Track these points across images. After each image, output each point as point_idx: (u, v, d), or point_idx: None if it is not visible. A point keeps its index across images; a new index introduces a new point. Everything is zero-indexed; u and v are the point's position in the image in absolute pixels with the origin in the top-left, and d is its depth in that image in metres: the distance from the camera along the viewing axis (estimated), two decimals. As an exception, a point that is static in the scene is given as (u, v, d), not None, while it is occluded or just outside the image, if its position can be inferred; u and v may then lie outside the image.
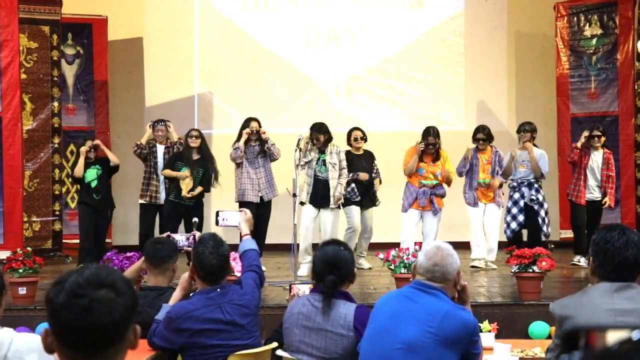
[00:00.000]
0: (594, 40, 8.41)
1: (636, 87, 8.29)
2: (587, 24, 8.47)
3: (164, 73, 9.42)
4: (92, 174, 6.89)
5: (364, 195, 6.91)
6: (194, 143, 6.77)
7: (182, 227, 6.58)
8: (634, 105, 8.24)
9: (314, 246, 6.24)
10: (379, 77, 9.46)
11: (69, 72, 8.83)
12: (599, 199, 6.94)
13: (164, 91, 9.42)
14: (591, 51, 8.45)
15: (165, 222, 6.71)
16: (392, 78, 9.42)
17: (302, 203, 6.33)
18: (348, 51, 9.44)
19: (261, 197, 6.74)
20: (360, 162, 6.96)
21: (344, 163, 6.73)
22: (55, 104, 8.18)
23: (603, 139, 7.02)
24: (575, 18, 8.52)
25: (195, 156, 6.79)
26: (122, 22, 9.23)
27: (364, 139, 7.08)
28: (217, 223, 4.03)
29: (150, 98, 9.47)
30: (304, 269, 6.39)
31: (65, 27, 8.58)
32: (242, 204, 6.50)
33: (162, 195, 6.93)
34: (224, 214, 4.03)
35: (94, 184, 6.87)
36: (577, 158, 6.97)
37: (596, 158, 6.98)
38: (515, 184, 6.64)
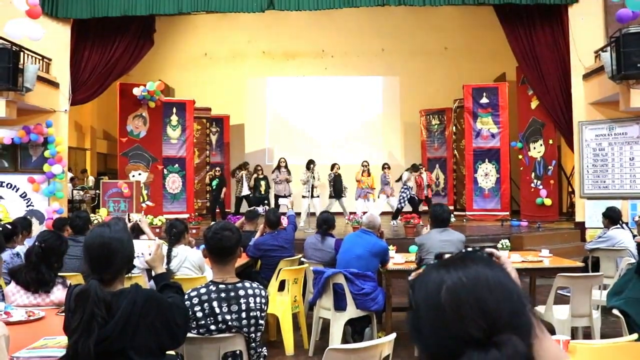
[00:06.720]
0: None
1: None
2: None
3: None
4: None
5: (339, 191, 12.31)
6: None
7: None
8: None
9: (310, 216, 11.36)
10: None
11: (213, 137, 15.67)
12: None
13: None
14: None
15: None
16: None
17: (304, 197, 11.48)
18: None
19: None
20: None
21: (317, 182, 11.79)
22: (207, 152, 15.06)
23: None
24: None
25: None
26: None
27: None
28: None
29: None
30: (301, 223, 10.89)
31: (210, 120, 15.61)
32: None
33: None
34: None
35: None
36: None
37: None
38: None
